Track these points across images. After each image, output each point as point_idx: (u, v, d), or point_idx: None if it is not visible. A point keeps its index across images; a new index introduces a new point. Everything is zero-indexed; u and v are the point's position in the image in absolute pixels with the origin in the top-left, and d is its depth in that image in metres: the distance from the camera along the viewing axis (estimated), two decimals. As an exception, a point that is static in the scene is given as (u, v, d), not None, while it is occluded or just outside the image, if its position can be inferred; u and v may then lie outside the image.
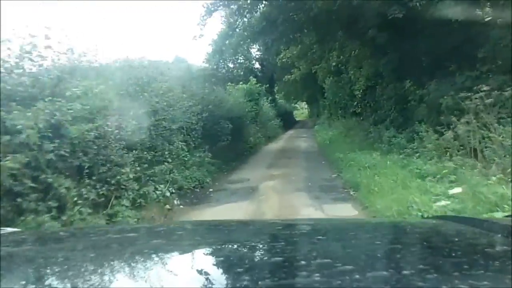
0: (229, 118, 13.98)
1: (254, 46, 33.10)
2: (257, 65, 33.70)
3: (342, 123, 18.59)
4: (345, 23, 12.99)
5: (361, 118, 16.72)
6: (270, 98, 28.20)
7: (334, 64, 20.15)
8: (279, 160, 12.85)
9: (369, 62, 16.47)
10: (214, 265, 0.88)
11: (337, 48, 17.80)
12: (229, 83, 20.87)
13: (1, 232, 1.21)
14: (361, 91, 16.63)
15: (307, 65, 24.62)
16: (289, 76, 25.76)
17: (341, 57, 19.74)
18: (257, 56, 33.50)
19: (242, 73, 33.46)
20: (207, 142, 10.89)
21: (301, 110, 65.86)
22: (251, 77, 21.98)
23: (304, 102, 60.54)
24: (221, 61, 34.32)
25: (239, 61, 32.69)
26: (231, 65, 33.26)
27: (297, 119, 50.28)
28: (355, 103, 17.58)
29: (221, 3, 13.76)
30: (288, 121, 36.27)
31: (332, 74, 21.96)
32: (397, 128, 11.64)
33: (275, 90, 35.97)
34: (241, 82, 21.04)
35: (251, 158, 14.04)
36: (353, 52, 17.58)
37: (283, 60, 23.20)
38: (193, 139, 9.33)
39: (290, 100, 48.00)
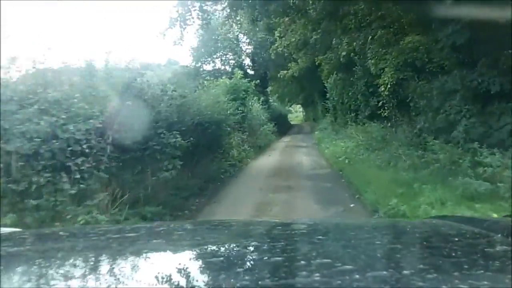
0: (196, 125, 8.64)
1: (243, 37, 27.87)
2: (248, 62, 28.29)
3: (358, 131, 13.19)
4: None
5: (389, 124, 11.40)
6: (262, 98, 22.79)
7: (344, 53, 14.88)
8: (274, 194, 7.41)
9: (400, 48, 11.19)
10: (214, 265, 0.82)
11: (353, 27, 12.49)
12: (207, 78, 15.52)
13: (1, 232, 1.14)
14: (388, 86, 11.29)
15: (307, 58, 19.30)
16: (285, 72, 20.32)
17: (355, 43, 14.48)
18: (248, 51, 28.06)
19: (230, 70, 28.08)
20: (139, 170, 5.47)
21: (296, 114, 60.75)
22: (237, 69, 16.54)
23: (299, 105, 55.69)
24: (206, 57, 29.02)
25: (227, 56, 27.28)
26: (218, 63, 27.88)
27: (292, 123, 44.93)
28: (379, 103, 12.24)
29: None
30: (282, 126, 30.92)
31: (340, 67, 16.70)
32: (478, 142, 6.33)
33: (268, 91, 30.53)
34: (223, 77, 15.69)
35: (227, 189, 8.57)
36: (372, 36, 12.42)
37: (279, 50, 17.83)
38: (84, 173, 3.89)
39: (285, 103, 42.76)
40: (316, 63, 16.35)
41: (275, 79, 30.14)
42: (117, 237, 1.15)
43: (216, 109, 10.87)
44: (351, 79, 16.66)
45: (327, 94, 21.78)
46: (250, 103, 15.76)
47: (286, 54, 19.31)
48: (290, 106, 51.77)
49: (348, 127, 15.36)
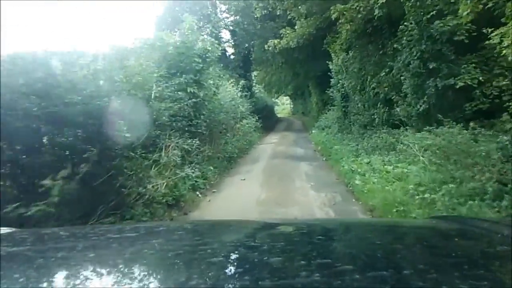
0: None
1: (221, 5, 20.31)
2: (227, 35, 20.85)
3: (424, 143, 6.08)
4: None
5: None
6: (242, 82, 15.64)
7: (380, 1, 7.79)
8: None
9: None
10: (214, 265, 0.77)
11: None
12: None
13: (1, 232, 1.09)
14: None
15: (310, 22, 12.14)
16: (276, 41, 12.97)
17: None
18: (227, 20, 20.56)
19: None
20: None
21: (282, 106, 53.61)
22: (187, 14, 9.28)
23: (286, 97, 48.56)
24: (172, 26, 21.45)
25: (200, 26, 19.74)
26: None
27: (278, 115, 37.91)
28: (497, 87, 5.18)
29: None
30: (268, 120, 23.82)
31: (366, 30, 9.65)
32: None
33: (252, 75, 23.15)
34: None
35: None
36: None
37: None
38: None
39: (272, 93, 35.59)
40: (333, 17, 9.06)
41: (261, 63, 22.91)
42: (117, 237, 1.10)
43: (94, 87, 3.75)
44: (386, 50, 9.62)
45: (332, 79, 14.70)
46: (213, 83, 8.47)
47: (279, 13, 12.09)
48: (277, 97, 44.57)
49: (392, 133, 8.24)
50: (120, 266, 0.80)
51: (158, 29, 20.08)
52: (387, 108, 9.38)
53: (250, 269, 0.74)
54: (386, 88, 9.50)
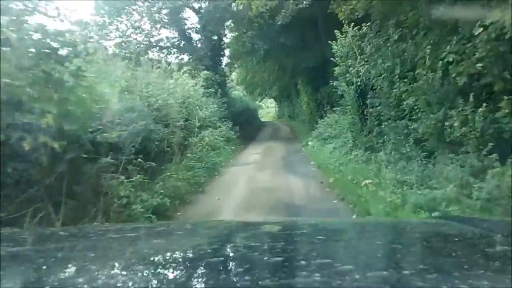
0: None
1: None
2: (191, 14, 15.33)
3: None
4: None
5: None
6: (205, 73, 10.24)
7: None
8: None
9: None
10: (214, 265, 0.75)
11: None
12: None
13: (1, 232, 1.07)
14: None
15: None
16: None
17: None
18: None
19: (158, 33, 15.08)
20: None
21: (267, 109, 48.26)
22: None
23: (271, 100, 43.32)
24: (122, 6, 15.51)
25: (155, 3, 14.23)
26: (138, 17, 14.77)
27: (262, 119, 32.63)
28: None
29: None
30: (250, 125, 18.49)
31: None
32: None
33: (224, 69, 17.52)
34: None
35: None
36: None
37: None
38: None
39: (255, 95, 30.21)
40: None
41: (239, 56, 17.49)
42: (117, 237, 1.07)
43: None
44: None
45: (336, 67, 9.43)
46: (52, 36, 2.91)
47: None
48: (261, 100, 39.21)
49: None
50: (120, 266, 0.77)
51: (97, 8, 14.62)
52: (491, 105, 4.12)
53: (250, 269, 0.71)
54: (482, 66, 4.25)
